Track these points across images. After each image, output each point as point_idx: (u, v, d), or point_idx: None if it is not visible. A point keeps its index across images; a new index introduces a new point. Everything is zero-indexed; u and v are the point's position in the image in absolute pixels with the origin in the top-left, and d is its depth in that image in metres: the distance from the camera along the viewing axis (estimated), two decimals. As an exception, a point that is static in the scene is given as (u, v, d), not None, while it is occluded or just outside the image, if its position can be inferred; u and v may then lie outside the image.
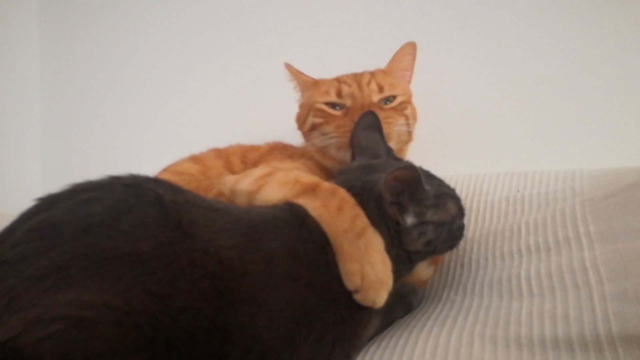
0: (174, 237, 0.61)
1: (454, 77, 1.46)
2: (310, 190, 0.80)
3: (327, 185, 0.81)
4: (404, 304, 0.88)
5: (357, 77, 1.07)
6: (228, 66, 1.79)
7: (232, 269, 0.63)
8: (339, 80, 1.08)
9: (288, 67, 1.15)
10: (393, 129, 1.03)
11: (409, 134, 1.10)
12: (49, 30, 2.10)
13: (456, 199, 0.84)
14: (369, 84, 1.04)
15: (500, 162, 1.29)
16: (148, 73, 1.94)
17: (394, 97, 1.06)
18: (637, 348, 0.58)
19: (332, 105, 1.05)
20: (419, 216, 0.78)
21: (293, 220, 0.74)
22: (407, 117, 1.08)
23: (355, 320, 0.72)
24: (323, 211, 0.75)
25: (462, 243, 0.99)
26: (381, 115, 0.98)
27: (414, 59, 1.14)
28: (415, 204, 0.78)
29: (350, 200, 0.77)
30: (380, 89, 1.04)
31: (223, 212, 0.71)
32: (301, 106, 1.15)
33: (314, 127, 1.07)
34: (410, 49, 1.12)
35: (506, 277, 0.81)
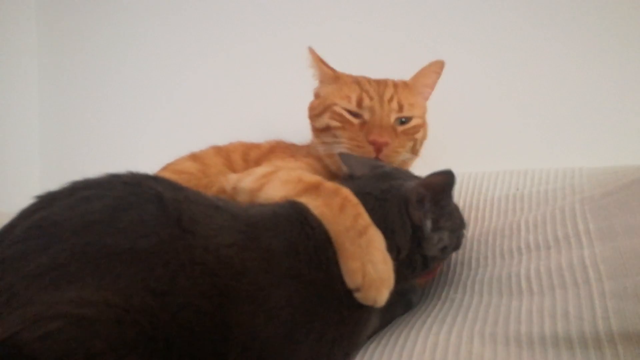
0: (173, 234, 0.61)
1: (453, 76, 1.45)
2: (313, 189, 0.80)
3: (329, 184, 0.81)
4: (404, 302, 0.88)
5: (380, 89, 1.04)
6: (228, 63, 1.79)
7: (231, 266, 0.63)
8: (361, 85, 1.05)
9: (311, 52, 1.11)
10: (399, 159, 1.03)
11: (416, 151, 1.09)
12: (47, 28, 2.10)
13: (458, 209, 0.87)
14: (390, 100, 1.02)
15: (500, 161, 1.28)
16: (147, 70, 1.94)
17: (411, 118, 1.05)
18: (637, 345, 0.58)
19: (350, 112, 1.03)
20: (435, 222, 0.80)
21: (295, 218, 0.74)
22: (416, 141, 1.06)
23: (355, 319, 0.72)
24: (325, 209, 0.75)
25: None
26: (392, 144, 0.99)
27: (438, 78, 1.12)
28: (434, 211, 0.80)
29: (352, 199, 0.77)
30: (400, 108, 1.03)
31: (223, 209, 0.70)
32: (317, 96, 1.13)
33: (327, 129, 1.05)
34: (438, 67, 1.11)
35: (506, 275, 0.81)
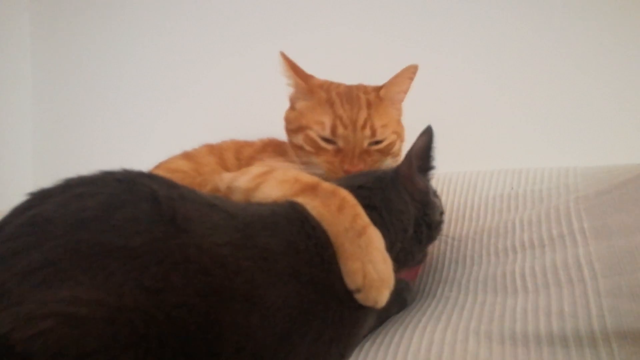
0: (167, 232, 0.60)
1: (448, 75, 1.46)
2: (310, 189, 0.80)
3: (327, 185, 0.81)
4: (399, 300, 0.88)
5: (353, 113, 1.02)
6: (221, 61, 1.79)
7: (225, 265, 0.62)
8: (334, 109, 1.03)
9: (284, 57, 1.08)
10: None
11: (395, 155, 1.09)
12: (40, 25, 2.09)
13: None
14: (363, 127, 1.01)
15: (494, 160, 1.29)
16: (140, 68, 1.94)
17: (383, 140, 1.04)
18: (632, 344, 0.58)
19: (324, 138, 1.02)
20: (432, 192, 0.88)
21: (295, 218, 0.74)
22: (393, 155, 1.07)
23: (353, 320, 0.72)
24: (323, 210, 0.75)
25: (456, 240, 1.00)
26: (367, 161, 1.01)
27: (412, 82, 1.11)
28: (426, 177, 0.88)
29: (350, 199, 0.77)
30: (373, 133, 1.02)
31: (219, 208, 0.70)
32: (292, 107, 1.11)
33: (301, 148, 1.04)
34: (411, 72, 1.09)
35: (501, 274, 0.82)
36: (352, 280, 0.70)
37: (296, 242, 0.70)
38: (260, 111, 1.60)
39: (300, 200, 0.78)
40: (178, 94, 1.86)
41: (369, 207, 0.79)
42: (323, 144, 1.02)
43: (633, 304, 0.61)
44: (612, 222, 0.77)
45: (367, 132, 1.01)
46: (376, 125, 1.02)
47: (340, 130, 1.00)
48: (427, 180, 0.90)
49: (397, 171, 0.86)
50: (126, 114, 1.95)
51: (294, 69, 1.08)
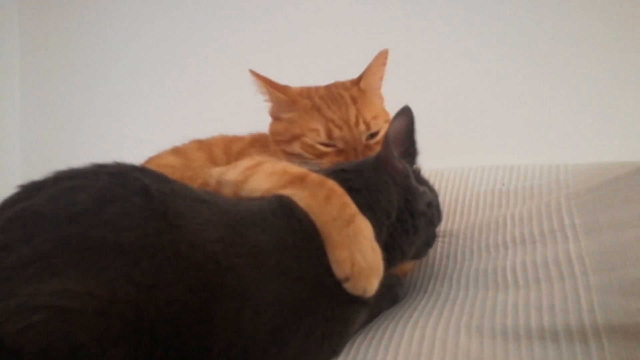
0: (159, 227, 0.60)
1: (440, 72, 1.46)
2: (298, 180, 0.80)
3: (315, 176, 0.81)
4: (390, 295, 0.88)
5: (342, 112, 1.02)
6: (210, 55, 1.78)
7: (216, 262, 0.62)
8: (323, 113, 1.02)
9: (255, 76, 1.05)
10: None
11: None
12: (30, 20, 2.06)
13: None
14: (357, 124, 1.01)
15: (486, 156, 1.29)
16: (130, 61, 1.92)
17: (378, 131, 1.04)
18: (622, 338, 0.59)
19: (322, 143, 1.02)
20: (415, 174, 0.86)
21: (282, 212, 0.73)
22: None
23: (345, 316, 0.72)
24: (311, 201, 0.75)
25: (447, 235, 1.00)
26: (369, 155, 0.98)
27: (385, 67, 1.10)
28: (409, 163, 0.85)
29: (338, 190, 0.77)
30: (367, 127, 1.02)
31: (210, 203, 0.69)
32: (278, 119, 1.09)
33: (300, 155, 1.03)
34: (383, 58, 1.09)
35: (492, 269, 0.82)
36: (341, 268, 0.70)
37: (284, 239, 0.70)
38: (250, 107, 1.61)
39: (289, 191, 0.77)
40: (168, 89, 1.85)
41: (352, 190, 0.78)
42: (322, 148, 1.01)
43: (623, 299, 0.62)
44: (602, 218, 0.77)
45: (362, 127, 1.01)
46: (368, 118, 1.02)
47: (336, 132, 1.00)
48: (412, 166, 0.87)
49: (377, 155, 0.85)
50: (115, 107, 1.94)
51: (269, 84, 1.05)
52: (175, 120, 1.82)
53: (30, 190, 0.62)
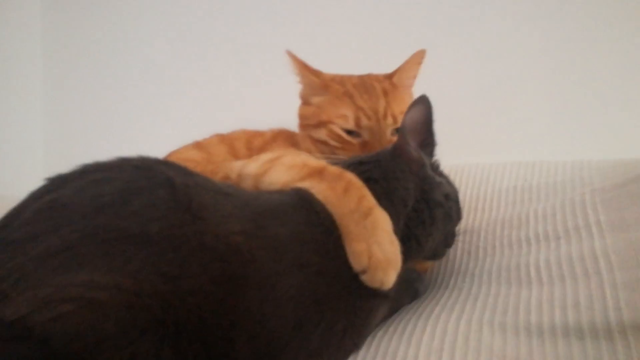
0: (184, 219, 0.61)
1: (461, 67, 1.45)
2: (317, 173, 0.80)
3: (333, 168, 0.81)
4: (411, 290, 0.88)
5: (372, 102, 1.02)
6: (231, 53, 1.79)
7: (240, 253, 0.62)
8: (354, 100, 1.03)
9: (292, 57, 1.07)
10: None
11: None
12: (52, 17, 2.09)
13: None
14: (385, 117, 1.01)
15: (508, 152, 1.28)
16: (149, 61, 1.94)
17: None
18: (649, 336, 0.58)
19: (348, 131, 1.02)
20: (432, 165, 0.85)
21: (301, 205, 0.73)
22: None
23: (366, 309, 0.72)
24: (329, 193, 0.75)
25: (468, 231, 1.00)
26: None
27: (420, 67, 1.11)
28: (426, 154, 0.84)
29: (357, 182, 0.77)
30: (395, 121, 1.02)
31: (233, 196, 0.70)
32: (307, 102, 1.10)
33: (326, 143, 1.04)
34: (420, 57, 1.10)
35: (515, 265, 0.81)
36: (358, 261, 0.69)
37: (303, 232, 0.70)
38: (268, 103, 1.61)
39: (307, 184, 0.77)
40: (188, 86, 1.86)
41: (370, 180, 0.78)
42: (348, 137, 1.02)
43: (651, 296, 0.61)
44: (629, 215, 0.76)
45: (389, 120, 1.01)
46: (396, 112, 1.02)
47: (364, 121, 1.00)
48: (430, 158, 0.87)
49: (394, 144, 0.84)
50: (137, 102, 1.95)
51: (304, 66, 1.07)
52: (195, 116, 1.83)
53: (57, 183, 0.62)
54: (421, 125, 0.84)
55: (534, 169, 1.13)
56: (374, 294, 0.72)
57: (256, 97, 1.71)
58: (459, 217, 0.88)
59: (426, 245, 0.83)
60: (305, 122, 1.08)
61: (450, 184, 0.88)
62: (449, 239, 0.87)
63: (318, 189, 0.76)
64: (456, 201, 0.87)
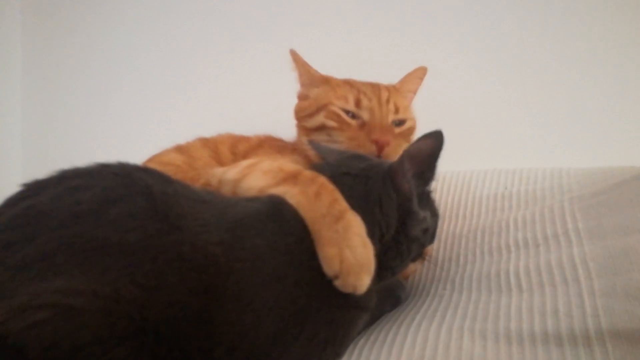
0: (161, 229, 0.60)
1: (444, 75, 1.46)
2: (291, 178, 0.79)
3: (308, 172, 0.80)
4: (392, 298, 0.88)
5: (375, 91, 1.04)
6: (218, 56, 1.78)
7: (217, 264, 0.62)
8: (355, 87, 1.04)
9: (294, 54, 1.09)
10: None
11: None
12: (32, 17, 2.06)
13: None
14: (387, 102, 1.02)
15: (488, 160, 1.29)
16: (132, 62, 1.92)
17: (405, 120, 1.05)
18: (626, 343, 0.58)
19: (348, 112, 1.01)
20: (419, 198, 0.79)
21: (273, 214, 0.72)
22: (409, 142, 1.06)
23: (347, 320, 0.71)
24: (301, 197, 0.74)
25: (449, 238, 1.00)
26: (392, 143, 0.97)
27: (421, 82, 1.13)
28: (417, 186, 0.79)
29: (329, 186, 0.76)
30: (397, 110, 1.02)
31: (211, 204, 0.69)
32: (305, 98, 1.11)
33: (321, 128, 1.03)
34: (421, 73, 1.11)
35: (495, 272, 0.82)
36: (329, 266, 0.68)
37: (277, 243, 0.68)
38: (255, 107, 1.60)
39: (281, 189, 0.76)
40: (171, 88, 1.85)
41: (350, 197, 0.76)
42: (346, 117, 1.01)
43: (627, 304, 0.61)
44: (606, 223, 0.77)
45: (392, 106, 1.02)
46: (399, 104, 1.03)
47: (365, 102, 1.00)
48: (423, 189, 0.81)
49: (390, 165, 0.80)
50: (116, 104, 1.93)
51: (306, 64, 1.09)
52: (176, 119, 1.81)
53: (34, 189, 0.61)
54: (426, 157, 0.78)
55: (514, 177, 1.14)
56: (354, 304, 0.71)
57: (243, 99, 1.71)
58: (431, 241, 0.86)
59: (398, 272, 0.82)
60: (302, 115, 1.08)
61: (434, 213, 0.84)
62: (415, 258, 0.85)
63: (291, 194, 0.75)
64: (433, 230, 0.84)
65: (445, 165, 1.22)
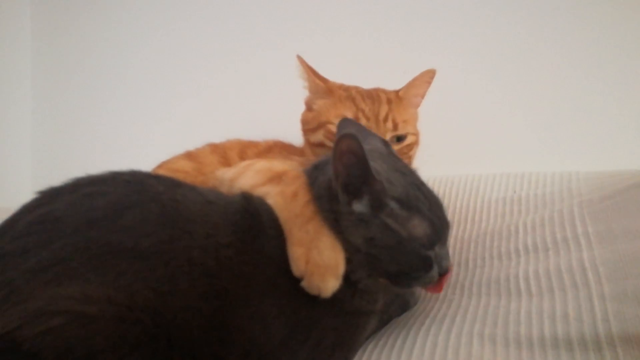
0: (173, 234, 0.61)
1: (450, 78, 1.46)
2: (277, 177, 0.79)
3: (293, 172, 0.80)
4: (400, 302, 0.88)
5: (374, 107, 1.02)
6: (225, 61, 1.78)
7: (229, 268, 0.62)
8: (355, 103, 1.03)
9: (301, 61, 1.08)
10: None
11: (409, 160, 1.08)
12: (41, 21, 2.08)
13: (431, 224, 0.71)
14: (385, 120, 1.01)
15: (497, 163, 1.29)
16: (142, 66, 1.92)
17: (405, 136, 1.04)
18: (637, 348, 0.58)
19: None
20: (374, 209, 0.69)
21: (260, 218, 0.70)
22: (410, 157, 1.06)
23: (354, 324, 0.71)
24: (279, 198, 0.73)
25: (457, 243, 1.00)
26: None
27: (429, 86, 1.11)
28: (371, 195, 0.69)
29: (307, 186, 0.75)
30: (395, 127, 1.02)
31: (216, 204, 0.69)
32: (310, 108, 1.11)
33: (322, 145, 1.03)
34: (429, 76, 1.09)
35: (504, 277, 0.82)
36: (296, 266, 0.66)
37: (267, 249, 0.68)
38: (263, 112, 1.61)
39: (265, 189, 0.76)
40: (180, 94, 1.85)
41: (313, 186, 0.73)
42: None
43: (638, 308, 0.61)
44: (616, 227, 0.77)
45: (389, 124, 1.01)
46: (397, 119, 1.02)
47: (363, 122, 1.00)
48: (377, 192, 0.69)
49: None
50: (127, 111, 1.94)
51: (312, 71, 1.08)
52: (186, 122, 1.82)
53: (49, 196, 0.62)
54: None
55: (523, 181, 1.14)
56: (356, 311, 0.71)
57: (253, 105, 1.71)
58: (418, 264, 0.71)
59: (366, 289, 0.72)
60: (306, 127, 1.09)
61: (393, 229, 0.69)
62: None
63: (272, 194, 0.75)
64: (391, 247, 0.69)
65: (453, 169, 1.25)
